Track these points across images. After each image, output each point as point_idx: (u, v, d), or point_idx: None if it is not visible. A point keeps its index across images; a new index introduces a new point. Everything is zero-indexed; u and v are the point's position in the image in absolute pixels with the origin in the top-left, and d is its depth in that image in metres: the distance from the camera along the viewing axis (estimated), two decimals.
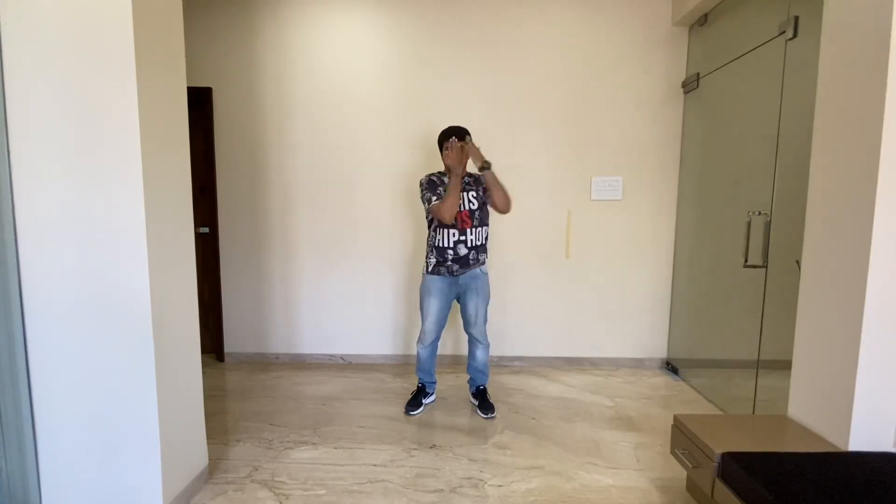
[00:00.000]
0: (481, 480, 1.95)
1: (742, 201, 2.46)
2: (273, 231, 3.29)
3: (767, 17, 2.28)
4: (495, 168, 2.41)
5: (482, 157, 2.36)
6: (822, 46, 1.70)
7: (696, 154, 3.00)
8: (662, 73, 3.09)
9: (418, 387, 2.66)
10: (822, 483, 1.31)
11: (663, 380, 3.11)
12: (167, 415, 1.67)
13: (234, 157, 3.23)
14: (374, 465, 2.05)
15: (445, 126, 2.51)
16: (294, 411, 2.58)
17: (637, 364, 3.32)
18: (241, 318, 3.37)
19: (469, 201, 2.41)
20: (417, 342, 2.61)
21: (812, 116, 1.74)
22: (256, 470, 2.01)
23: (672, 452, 1.83)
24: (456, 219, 2.39)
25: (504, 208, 2.42)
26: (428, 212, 2.45)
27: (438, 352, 2.75)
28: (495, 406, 2.59)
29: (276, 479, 1.95)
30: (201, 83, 3.14)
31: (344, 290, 3.31)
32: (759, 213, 2.27)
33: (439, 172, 2.50)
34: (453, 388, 2.92)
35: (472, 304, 2.51)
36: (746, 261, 2.32)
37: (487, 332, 2.63)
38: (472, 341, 2.60)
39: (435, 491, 1.87)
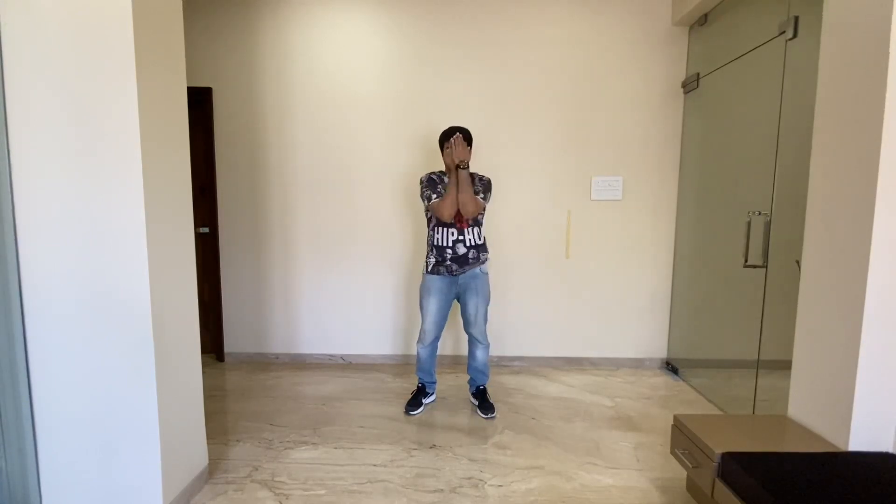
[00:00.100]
0: (481, 480, 1.95)
1: (742, 201, 2.46)
2: (273, 231, 3.29)
3: (767, 17, 2.28)
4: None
5: (465, 156, 2.34)
6: (822, 46, 1.70)
7: (696, 154, 3.00)
8: (662, 73, 3.09)
9: (418, 387, 2.66)
10: (822, 483, 1.31)
11: (663, 380, 3.11)
12: (167, 415, 1.67)
13: (234, 157, 3.23)
14: (374, 465, 2.05)
15: (446, 126, 2.51)
16: (294, 411, 2.58)
17: (637, 364, 3.32)
18: (241, 318, 3.37)
19: None
20: (417, 342, 2.61)
21: (812, 116, 1.74)
22: (256, 470, 2.01)
23: (672, 452, 1.83)
24: (454, 218, 2.39)
25: (466, 207, 2.34)
26: (427, 210, 2.45)
27: (438, 352, 2.75)
28: (495, 406, 2.59)
29: (276, 479, 1.95)
30: (201, 83, 3.14)
31: (344, 290, 3.31)
32: (759, 213, 2.27)
33: (440, 171, 2.50)
34: (453, 388, 2.92)
35: (472, 304, 2.52)
36: (746, 261, 2.32)
37: (487, 333, 2.63)
38: (472, 341, 2.60)
39: (435, 491, 1.87)
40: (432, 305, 2.50)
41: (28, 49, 1.48)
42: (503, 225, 3.20)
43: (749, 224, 2.31)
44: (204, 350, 2.87)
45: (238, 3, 3.12)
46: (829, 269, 1.65)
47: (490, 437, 2.32)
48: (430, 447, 2.21)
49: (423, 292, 2.53)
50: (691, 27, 3.03)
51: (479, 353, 2.61)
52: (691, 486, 1.84)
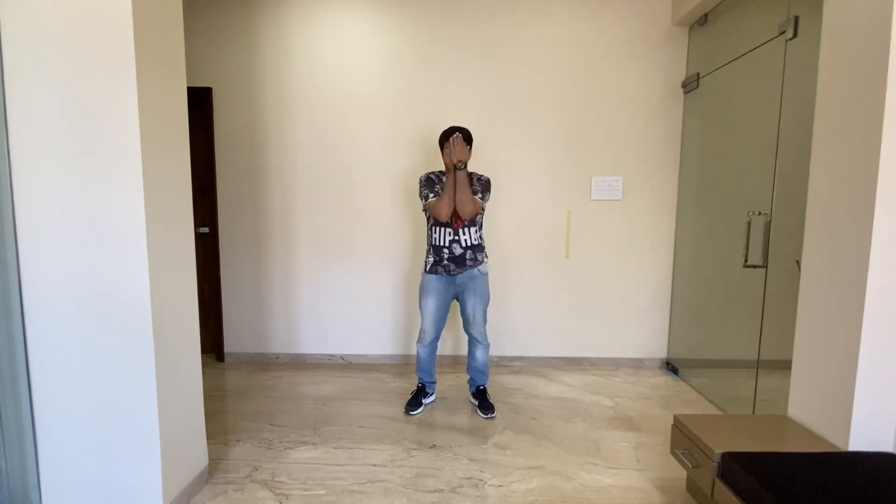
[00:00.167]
0: (481, 480, 1.95)
1: (742, 201, 2.46)
2: (273, 231, 3.29)
3: (767, 17, 2.28)
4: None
5: (464, 156, 2.33)
6: (822, 46, 1.70)
7: (696, 154, 3.00)
8: (662, 73, 3.09)
9: (418, 387, 2.66)
10: (822, 483, 1.31)
11: (663, 380, 3.11)
12: (167, 415, 1.67)
13: (234, 157, 3.23)
14: (374, 465, 2.05)
15: (446, 126, 2.51)
16: (294, 411, 2.58)
17: (637, 364, 3.32)
18: (241, 318, 3.37)
19: None
20: (417, 342, 2.61)
21: (812, 116, 1.74)
22: (256, 470, 2.01)
23: (672, 452, 1.83)
24: (452, 218, 2.39)
25: (463, 207, 2.33)
26: (425, 209, 2.46)
27: (438, 352, 2.76)
28: (495, 406, 2.59)
29: (276, 479, 1.95)
30: (201, 83, 3.14)
31: (344, 290, 3.31)
32: (759, 213, 2.27)
33: (439, 171, 2.50)
34: (453, 388, 2.92)
35: (470, 305, 2.52)
36: (746, 261, 2.32)
37: (487, 333, 2.63)
38: (472, 341, 2.60)
39: (435, 491, 1.87)
40: (430, 305, 2.50)
41: (28, 49, 1.48)
42: (503, 225, 3.20)
43: (749, 224, 2.31)
44: (204, 350, 2.87)
45: (238, 3, 3.12)
46: (829, 269, 1.65)
47: (490, 437, 2.32)
48: (430, 447, 2.21)
49: (422, 292, 2.53)
50: (691, 27, 3.03)
51: (479, 354, 2.61)
52: (691, 486, 1.84)
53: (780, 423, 1.77)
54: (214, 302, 3.33)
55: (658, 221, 3.21)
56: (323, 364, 3.34)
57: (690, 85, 2.99)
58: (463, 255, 2.43)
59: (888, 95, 1.43)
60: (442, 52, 3.11)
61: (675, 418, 1.82)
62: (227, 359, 3.39)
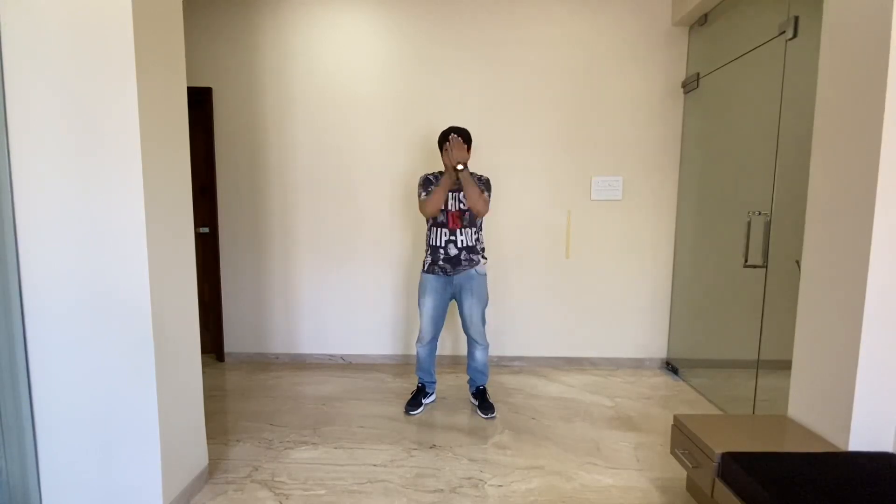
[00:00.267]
0: (481, 480, 1.95)
1: (742, 201, 2.46)
2: (273, 231, 3.29)
3: (767, 17, 2.28)
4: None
5: (463, 157, 2.33)
6: (822, 46, 1.70)
7: (696, 154, 3.00)
8: (662, 73, 3.09)
9: (418, 387, 2.66)
10: (822, 483, 1.31)
11: (663, 380, 3.11)
12: (167, 415, 1.67)
13: (234, 157, 3.23)
14: (374, 465, 2.05)
15: (446, 126, 2.51)
16: (294, 411, 2.58)
17: (637, 364, 3.32)
18: (241, 318, 3.37)
19: (460, 201, 2.42)
20: (416, 341, 2.61)
21: (812, 116, 1.74)
22: (256, 470, 2.01)
23: (672, 452, 1.83)
24: (447, 218, 2.40)
25: (476, 207, 2.35)
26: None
27: (438, 352, 2.76)
28: (495, 406, 2.59)
29: (276, 479, 1.95)
30: (201, 83, 3.14)
31: (344, 290, 3.31)
32: (759, 213, 2.27)
33: (438, 171, 2.50)
34: (453, 388, 2.92)
35: (467, 305, 2.52)
36: (746, 261, 2.32)
37: (486, 333, 2.63)
38: (471, 342, 2.60)
39: (435, 491, 1.87)
40: (428, 304, 2.51)
41: (28, 49, 1.48)
42: (503, 225, 3.20)
43: (749, 224, 2.31)
44: (204, 350, 2.87)
45: (238, 3, 3.12)
46: (829, 269, 1.65)
47: (490, 437, 2.32)
48: (430, 447, 2.21)
49: (420, 291, 2.54)
50: (691, 27, 3.03)
51: (478, 354, 2.61)
52: (691, 486, 1.84)
53: (780, 423, 1.77)
54: (214, 302, 3.33)
55: (658, 221, 3.21)
56: (323, 364, 3.34)
57: (690, 85, 2.99)
58: (458, 255, 2.43)
59: (888, 95, 1.43)
60: (442, 52, 3.11)
61: (675, 418, 1.82)
62: (227, 359, 3.39)
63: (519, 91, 3.13)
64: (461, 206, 2.42)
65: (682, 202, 3.15)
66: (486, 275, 2.55)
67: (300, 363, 3.35)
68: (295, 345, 3.38)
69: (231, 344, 3.39)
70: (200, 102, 3.11)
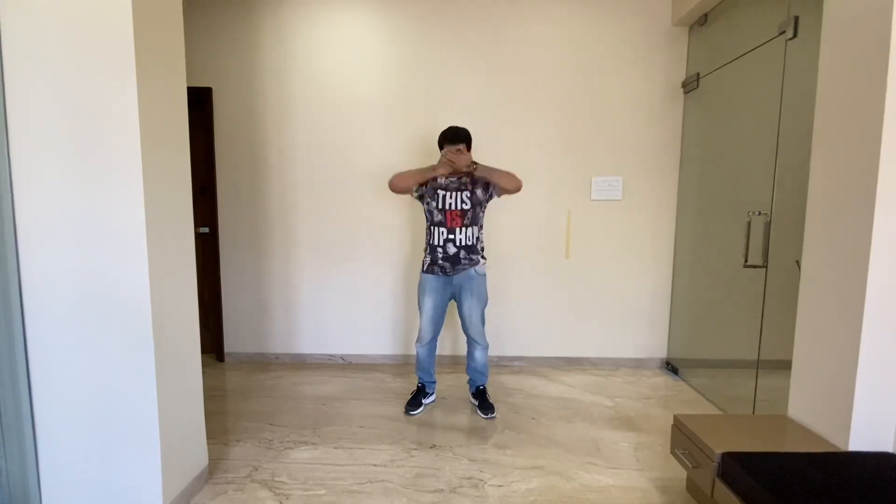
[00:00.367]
0: (481, 480, 1.95)
1: (742, 201, 2.46)
2: (273, 231, 3.29)
3: (767, 17, 2.28)
4: (496, 165, 2.42)
5: (467, 161, 2.35)
6: (822, 46, 1.70)
7: (696, 154, 3.00)
8: (662, 73, 3.09)
9: (418, 387, 2.66)
10: (822, 483, 1.31)
11: (663, 380, 3.11)
12: (167, 415, 1.67)
13: (234, 157, 3.23)
14: (374, 465, 2.05)
15: (446, 126, 2.51)
16: (294, 411, 2.58)
17: (637, 364, 3.32)
18: (241, 318, 3.37)
19: (462, 201, 2.42)
20: (416, 341, 2.61)
21: (812, 116, 1.74)
22: (256, 470, 2.01)
23: (672, 452, 1.83)
24: (446, 217, 2.41)
25: (511, 186, 2.39)
26: (424, 208, 2.49)
27: (438, 352, 2.76)
28: (495, 406, 2.59)
29: (276, 479, 1.95)
30: (201, 83, 3.14)
31: (344, 290, 3.31)
32: (759, 213, 2.27)
33: None
34: (453, 388, 2.92)
35: (466, 305, 2.52)
36: (746, 261, 2.32)
37: (486, 333, 2.63)
38: (471, 342, 2.60)
39: (435, 491, 1.87)
40: (428, 304, 2.51)
41: (28, 49, 1.48)
42: (503, 225, 3.20)
43: (749, 224, 2.31)
44: (204, 350, 2.86)
45: (238, 3, 3.12)
46: (829, 269, 1.65)
47: (490, 437, 2.32)
48: (430, 447, 2.21)
49: (420, 291, 2.54)
50: (691, 27, 3.03)
51: (478, 354, 2.61)
52: (691, 486, 1.84)
53: (780, 423, 1.77)
54: (214, 302, 3.33)
55: (658, 221, 3.21)
56: (323, 364, 3.34)
57: (690, 85, 2.99)
58: (457, 254, 2.43)
59: (888, 95, 1.43)
60: (442, 52, 3.11)
61: (675, 418, 1.82)
62: (227, 359, 3.39)
63: (519, 91, 3.13)
64: (463, 206, 2.42)
65: (682, 202, 3.15)
66: (485, 275, 2.55)
67: (300, 363, 3.35)
68: (295, 345, 3.38)
69: (231, 344, 3.39)
70: (200, 102, 3.11)
